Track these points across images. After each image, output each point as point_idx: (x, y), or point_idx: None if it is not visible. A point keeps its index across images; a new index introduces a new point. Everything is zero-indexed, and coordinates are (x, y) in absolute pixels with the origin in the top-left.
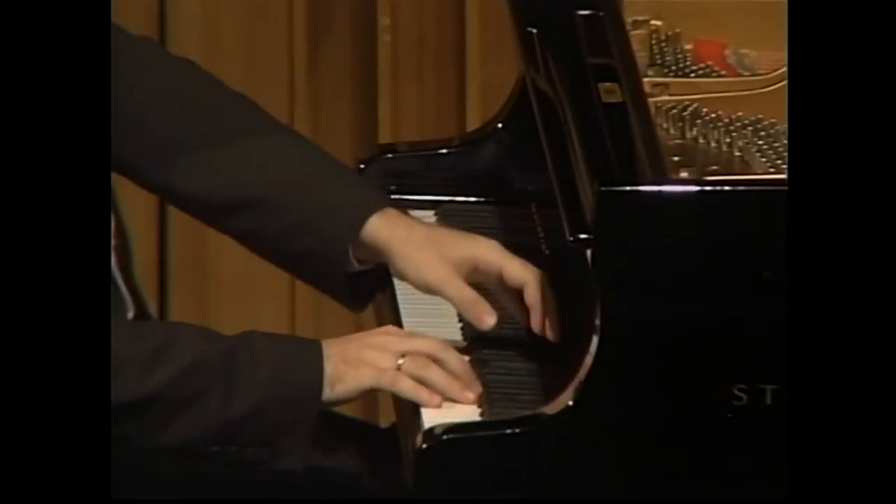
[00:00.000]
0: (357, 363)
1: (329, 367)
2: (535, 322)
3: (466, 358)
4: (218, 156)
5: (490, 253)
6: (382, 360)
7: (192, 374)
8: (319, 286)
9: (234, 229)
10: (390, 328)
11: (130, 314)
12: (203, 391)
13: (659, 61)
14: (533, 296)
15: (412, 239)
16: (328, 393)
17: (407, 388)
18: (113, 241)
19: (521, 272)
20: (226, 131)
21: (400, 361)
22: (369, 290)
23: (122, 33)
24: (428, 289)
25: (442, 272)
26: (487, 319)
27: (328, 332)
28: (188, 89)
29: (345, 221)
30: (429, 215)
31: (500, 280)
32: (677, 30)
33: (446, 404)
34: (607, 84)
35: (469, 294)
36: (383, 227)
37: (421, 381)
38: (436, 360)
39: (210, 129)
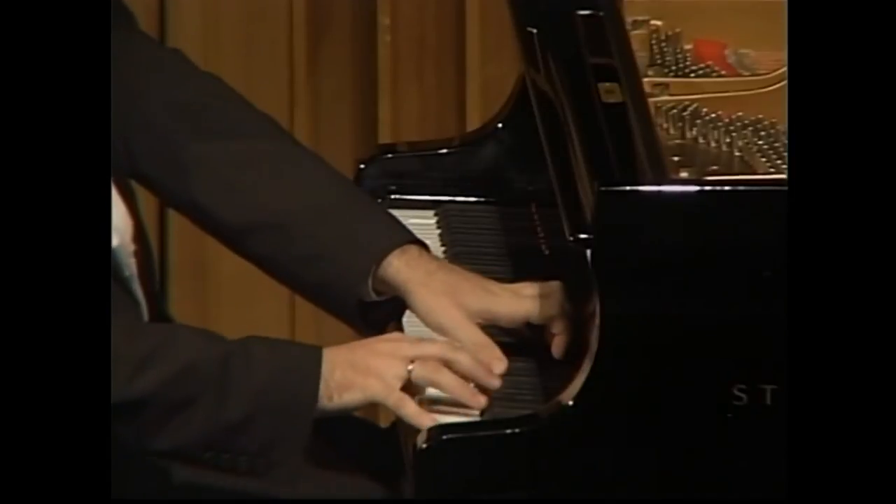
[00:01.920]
0: (366, 372)
1: (337, 374)
2: (558, 348)
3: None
4: (241, 175)
5: (510, 307)
6: (392, 368)
7: (184, 379)
8: (333, 312)
9: (252, 251)
10: (397, 334)
11: (145, 320)
12: (195, 396)
13: (659, 61)
14: (560, 327)
15: (429, 284)
16: (336, 400)
17: (411, 412)
18: (133, 247)
19: (547, 312)
20: (250, 151)
21: (410, 367)
22: (383, 319)
23: (152, 43)
24: (441, 331)
25: (455, 317)
26: (499, 365)
27: (328, 333)
28: (214, 106)
29: (364, 256)
30: (429, 215)
31: (528, 322)
32: (677, 30)
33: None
34: (607, 84)
35: (482, 339)
36: (402, 268)
37: (432, 386)
38: (446, 363)
39: (234, 147)
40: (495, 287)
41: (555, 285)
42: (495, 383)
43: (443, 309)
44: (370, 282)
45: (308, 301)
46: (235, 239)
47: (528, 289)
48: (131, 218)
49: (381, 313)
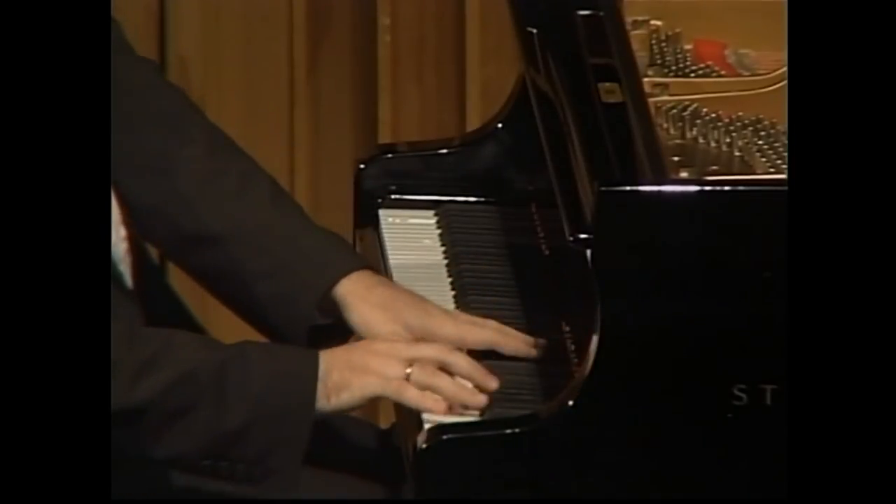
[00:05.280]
0: (363, 371)
1: (335, 375)
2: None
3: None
4: (205, 185)
5: (445, 328)
6: (389, 368)
7: (182, 386)
8: (275, 333)
9: (202, 263)
10: (396, 336)
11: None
12: (194, 404)
13: (659, 61)
14: (512, 348)
15: (367, 298)
16: (333, 401)
17: (412, 397)
18: (123, 231)
19: (483, 338)
20: (210, 165)
21: (408, 370)
22: (326, 342)
23: (126, 52)
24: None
25: (390, 331)
26: (489, 385)
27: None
28: (181, 115)
29: (322, 275)
30: (429, 215)
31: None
32: (677, 30)
33: (454, 414)
34: (607, 84)
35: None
36: (343, 284)
37: (430, 390)
38: (444, 366)
39: (200, 157)
40: (433, 308)
41: (491, 322)
42: (493, 385)
43: (380, 321)
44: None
45: (245, 319)
46: (186, 250)
47: (465, 316)
48: (118, 204)
49: (324, 337)
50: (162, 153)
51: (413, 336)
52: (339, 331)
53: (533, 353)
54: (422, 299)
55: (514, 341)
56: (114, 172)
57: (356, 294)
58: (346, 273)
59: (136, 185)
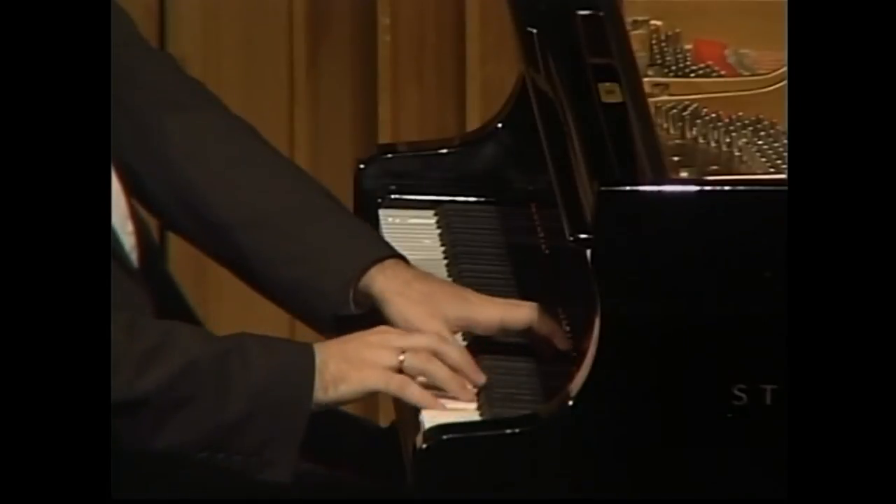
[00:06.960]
0: (360, 363)
1: (331, 366)
2: (561, 344)
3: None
4: (231, 171)
5: (486, 312)
6: (384, 358)
7: (184, 378)
8: (304, 317)
9: (235, 248)
10: (387, 327)
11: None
12: (195, 395)
13: (659, 61)
14: (545, 328)
15: (406, 294)
16: (331, 393)
17: (415, 393)
18: (129, 226)
19: (523, 316)
20: (235, 152)
21: (401, 358)
22: (350, 326)
23: (142, 44)
24: None
25: (432, 327)
26: (477, 379)
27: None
28: (201, 106)
29: (350, 263)
30: (429, 215)
31: (504, 330)
32: (677, 30)
33: (447, 404)
34: (607, 84)
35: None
36: (378, 278)
37: (423, 375)
38: (436, 355)
39: (223, 144)
40: (471, 295)
41: (530, 303)
42: (481, 379)
43: (420, 319)
44: (352, 292)
45: (274, 302)
46: (218, 235)
47: (501, 299)
48: (126, 199)
49: (349, 326)
50: (181, 143)
51: (456, 328)
52: (366, 319)
53: (563, 340)
54: (458, 288)
55: (549, 324)
56: (131, 164)
57: (394, 290)
58: (370, 262)
59: (154, 175)
